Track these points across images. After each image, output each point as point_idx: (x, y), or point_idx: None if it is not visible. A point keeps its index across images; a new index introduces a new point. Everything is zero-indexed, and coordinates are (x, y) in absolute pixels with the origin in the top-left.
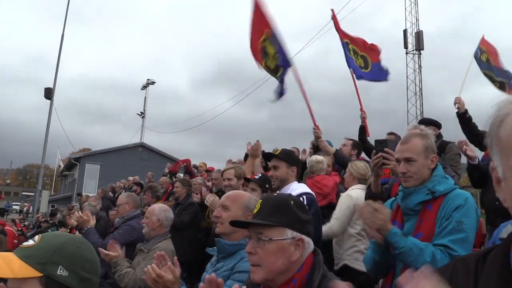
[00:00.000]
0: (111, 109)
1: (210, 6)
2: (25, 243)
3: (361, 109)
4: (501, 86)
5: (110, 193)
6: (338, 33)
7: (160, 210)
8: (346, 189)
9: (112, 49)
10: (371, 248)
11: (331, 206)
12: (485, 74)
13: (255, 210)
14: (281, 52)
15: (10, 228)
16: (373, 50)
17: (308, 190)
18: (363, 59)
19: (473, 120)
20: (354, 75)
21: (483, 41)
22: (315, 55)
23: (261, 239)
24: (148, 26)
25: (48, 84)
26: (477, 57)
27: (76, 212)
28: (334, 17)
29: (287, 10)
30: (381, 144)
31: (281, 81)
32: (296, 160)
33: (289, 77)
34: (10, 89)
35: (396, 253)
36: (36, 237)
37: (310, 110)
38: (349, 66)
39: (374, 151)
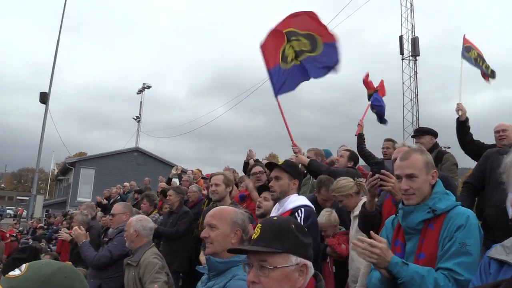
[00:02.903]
0: (110, 115)
1: (208, 21)
2: (11, 273)
3: (361, 120)
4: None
5: (104, 199)
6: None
7: (137, 221)
8: (349, 208)
9: (113, 59)
10: (378, 279)
11: None
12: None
13: (255, 235)
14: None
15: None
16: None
17: (307, 202)
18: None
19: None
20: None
21: (465, 40)
22: None
23: (265, 267)
24: (148, 39)
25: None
26: (464, 56)
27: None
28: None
29: None
30: (377, 165)
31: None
32: (299, 173)
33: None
34: (11, 96)
35: (398, 283)
36: (23, 266)
37: (289, 133)
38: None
39: (370, 172)
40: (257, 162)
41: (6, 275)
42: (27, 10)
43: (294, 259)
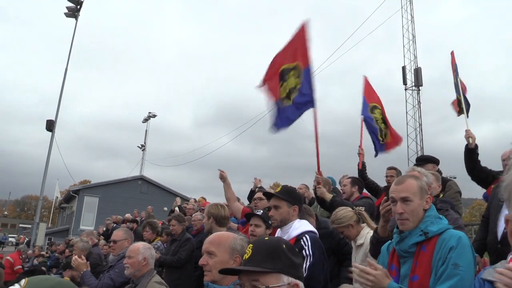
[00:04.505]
0: (115, 144)
1: (213, 53)
2: (10, 287)
3: (360, 146)
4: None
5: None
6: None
7: (145, 248)
8: (351, 238)
9: (119, 90)
10: None
11: None
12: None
13: (246, 256)
14: (305, 90)
15: (9, 258)
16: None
17: (311, 228)
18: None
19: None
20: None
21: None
22: None
23: (257, 286)
24: (154, 70)
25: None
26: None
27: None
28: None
29: None
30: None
31: (284, 111)
32: (297, 198)
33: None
34: (20, 125)
35: None
36: (22, 281)
37: (318, 155)
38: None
39: (385, 197)
40: (260, 189)
41: None
42: (36, 42)
43: (286, 279)
